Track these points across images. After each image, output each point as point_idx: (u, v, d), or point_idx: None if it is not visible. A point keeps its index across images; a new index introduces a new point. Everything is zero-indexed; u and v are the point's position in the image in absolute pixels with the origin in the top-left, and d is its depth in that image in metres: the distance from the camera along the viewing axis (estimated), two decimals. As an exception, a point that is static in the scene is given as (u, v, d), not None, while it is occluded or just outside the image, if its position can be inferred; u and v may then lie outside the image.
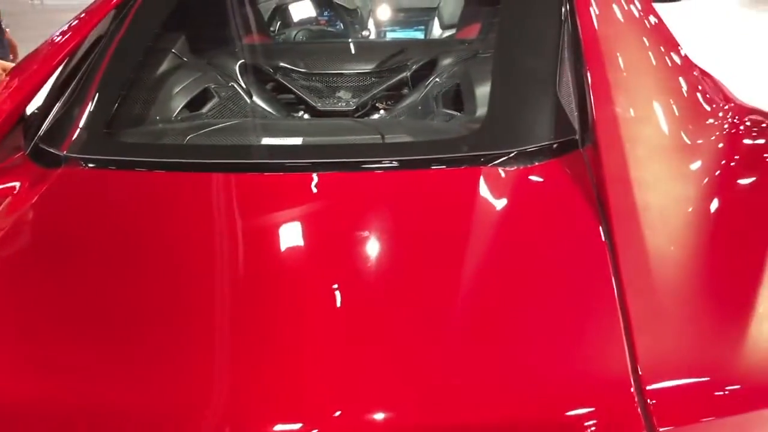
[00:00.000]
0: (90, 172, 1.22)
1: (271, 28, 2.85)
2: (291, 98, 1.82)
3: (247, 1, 2.18)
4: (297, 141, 1.33)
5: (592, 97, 1.22)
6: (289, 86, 1.79)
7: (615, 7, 1.46)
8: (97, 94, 1.39)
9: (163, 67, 1.64)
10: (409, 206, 1.10)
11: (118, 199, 1.17)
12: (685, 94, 1.32)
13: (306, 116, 1.75)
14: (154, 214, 1.11)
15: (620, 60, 1.32)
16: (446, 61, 1.71)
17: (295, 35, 2.72)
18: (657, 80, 1.35)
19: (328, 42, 2.25)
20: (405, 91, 1.78)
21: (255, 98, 1.69)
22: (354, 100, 1.72)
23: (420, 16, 2.82)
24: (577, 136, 1.21)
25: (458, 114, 1.50)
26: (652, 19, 1.51)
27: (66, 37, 1.59)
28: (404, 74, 1.76)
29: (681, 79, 1.37)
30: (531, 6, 1.53)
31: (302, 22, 2.85)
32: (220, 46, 1.90)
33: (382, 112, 1.72)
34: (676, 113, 1.29)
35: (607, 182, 1.04)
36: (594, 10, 1.44)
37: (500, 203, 1.09)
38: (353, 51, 2.03)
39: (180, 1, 1.71)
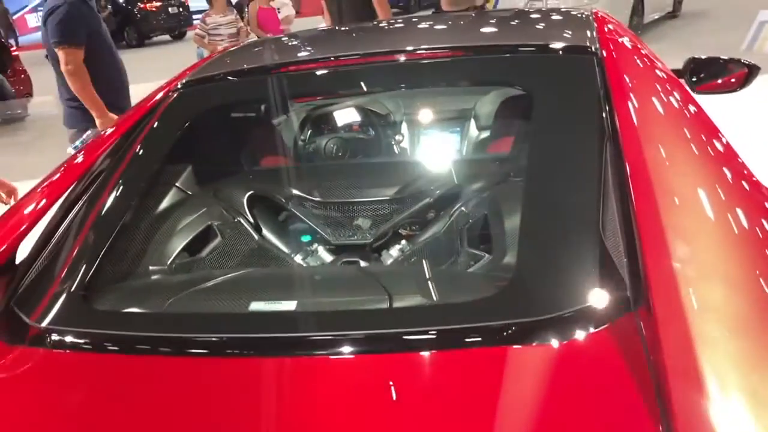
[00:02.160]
0: (51, 354, 1.08)
1: (302, 137, 2.80)
2: (304, 227, 1.69)
3: (260, 121, 2.12)
4: (290, 305, 1.15)
5: (641, 241, 1.01)
6: (302, 217, 1.66)
7: (662, 128, 1.28)
8: (82, 243, 1.28)
9: (164, 204, 1.55)
10: (414, 405, 0.90)
11: (79, 395, 1.01)
12: (760, 235, 1.09)
13: (320, 249, 1.59)
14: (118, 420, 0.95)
15: (674, 194, 1.12)
16: (474, 186, 1.55)
17: (326, 144, 2.65)
18: (718, 214, 1.13)
19: (346, 164, 2.11)
20: (430, 214, 1.62)
21: (264, 231, 1.57)
22: (371, 231, 1.57)
23: (455, 117, 2.69)
24: (628, 293, 1.00)
25: (485, 256, 1.31)
26: (704, 135, 1.31)
27: (68, 168, 1.52)
28: (427, 201, 1.61)
29: (743, 212, 1.13)
30: (567, 121, 1.36)
31: (335, 130, 2.78)
32: (228, 174, 1.81)
33: (403, 242, 1.55)
34: (743, 258, 1.05)
35: (669, 371, 0.82)
36: (639, 130, 1.26)
37: (536, 394, 0.88)
38: (373, 174, 1.89)
39: (190, 126, 1.63)
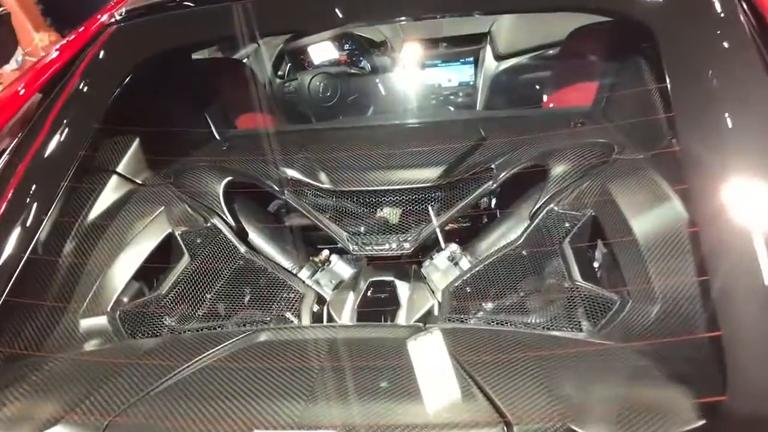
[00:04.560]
0: None
1: (279, 72, 2.27)
2: (307, 228, 1.22)
3: (231, 66, 1.59)
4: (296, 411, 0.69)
5: None
6: (306, 214, 1.18)
7: None
8: None
9: (98, 205, 1.07)
10: None
11: None
12: None
13: (336, 265, 1.13)
14: None
15: None
16: (559, 168, 1.07)
17: (311, 82, 2.13)
18: None
19: (355, 129, 1.49)
20: (492, 205, 1.15)
21: (252, 237, 1.11)
22: (409, 239, 1.10)
23: (466, 45, 2.20)
24: None
25: (617, 300, 0.86)
26: None
27: None
28: (487, 186, 1.14)
29: None
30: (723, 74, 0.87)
31: (319, 64, 2.26)
32: (191, 148, 1.31)
33: (458, 253, 1.09)
34: None
35: None
36: None
37: None
38: (396, 139, 1.31)
39: (133, 79, 1.13)
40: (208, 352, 0.77)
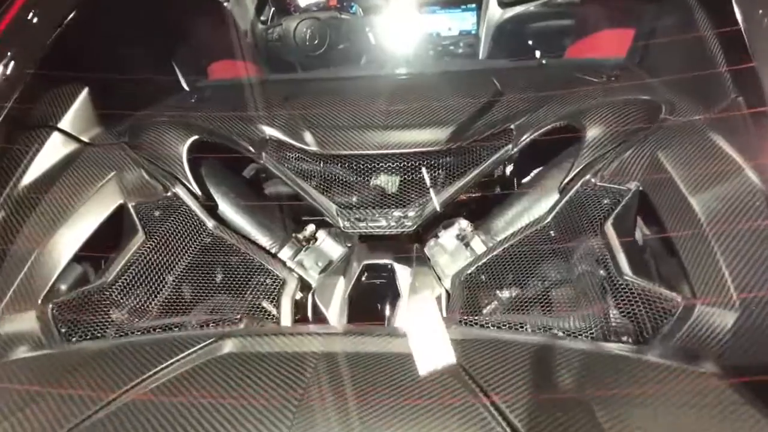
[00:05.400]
0: None
1: (262, 18, 2.05)
2: (290, 200, 1.03)
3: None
4: None
5: None
6: (288, 182, 1.00)
7: None
8: None
9: (35, 167, 0.88)
10: None
11: None
12: None
13: (325, 243, 0.95)
14: None
15: None
16: (596, 130, 0.89)
17: (297, 27, 1.91)
18: None
19: (345, 81, 1.30)
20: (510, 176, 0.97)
21: (222, 209, 0.93)
22: (411, 215, 0.93)
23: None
24: None
25: (677, 299, 0.69)
26: None
27: None
28: (505, 151, 0.96)
29: None
30: None
31: (306, 7, 2.03)
32: (149, 100, 1.11)
33: (471, 235, 0.91)
34: None
35: None
36: None
37: None
38: (394, 94, 1.12)
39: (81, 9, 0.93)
40: (159, 369, 0.61)
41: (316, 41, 1.95)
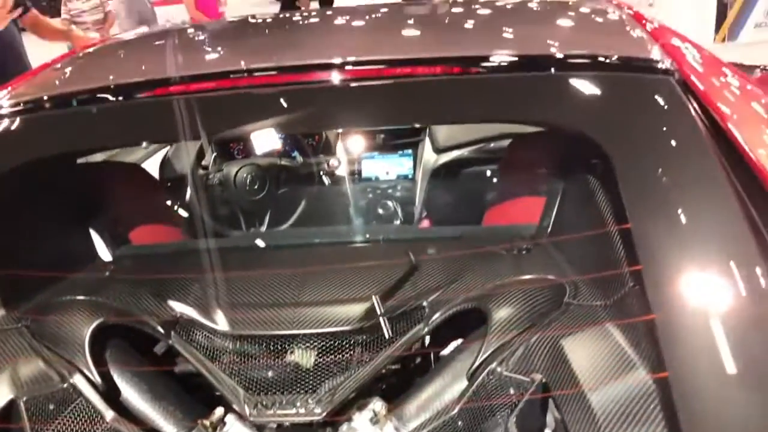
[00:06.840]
0: None
1: (203, 162, 2.08)
2: (196, 384, 0.99)
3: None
4: None
5: None
6: (195, 364, 0.95)
7: None
8: None
9: None
10: None
11: None
12: None
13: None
14: None
15: None
16: (502, 313, 0.88)
17: (237, 173, 1.95)
18: None
19: (269, 248, 1.24)
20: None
21: (125, 397, 0.88)
22: (321, 400, 0.89)
23: (406, 137, 2.07)
24: None
25: None
26: None
27: None
28: (418, 329, 0.94)
29: None
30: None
31: (248, 153, 2.08)
32: (65, 279, 1.07)
33: (378, 426, 0.88)
34: None
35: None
36: None
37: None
38: (319, 262, 1.09)
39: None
40: None
41: (256, 186, 1.99)
